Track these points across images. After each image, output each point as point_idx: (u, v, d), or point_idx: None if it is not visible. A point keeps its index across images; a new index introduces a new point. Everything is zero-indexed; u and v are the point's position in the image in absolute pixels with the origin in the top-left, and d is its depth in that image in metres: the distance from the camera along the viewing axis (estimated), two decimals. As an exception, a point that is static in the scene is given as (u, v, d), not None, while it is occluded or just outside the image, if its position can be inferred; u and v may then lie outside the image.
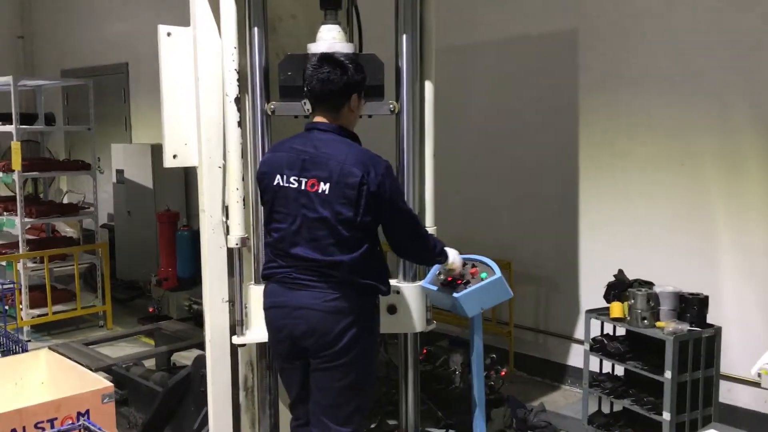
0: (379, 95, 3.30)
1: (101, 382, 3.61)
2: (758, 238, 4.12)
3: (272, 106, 3.27)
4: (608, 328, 3.96)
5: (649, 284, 3.84)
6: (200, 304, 6.32)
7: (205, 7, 3.36)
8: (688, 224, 4.40)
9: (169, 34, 3.54)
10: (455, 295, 3.07)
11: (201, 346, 5.06)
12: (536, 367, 5.23)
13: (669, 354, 3.43)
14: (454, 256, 3.07)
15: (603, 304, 3.95)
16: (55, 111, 8.61)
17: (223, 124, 3.38)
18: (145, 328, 5.43)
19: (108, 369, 4.35)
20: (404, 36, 3.33)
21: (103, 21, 9.37)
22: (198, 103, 3.39)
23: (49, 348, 4.68)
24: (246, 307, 3.36)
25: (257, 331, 3.34)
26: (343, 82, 2.81)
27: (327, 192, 2.74)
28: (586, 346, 3.92)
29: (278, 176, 2.83)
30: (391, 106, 3.32)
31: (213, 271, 3.47)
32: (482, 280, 3.11)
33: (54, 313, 6.29)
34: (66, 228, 7.92)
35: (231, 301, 3.54)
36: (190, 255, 6.32)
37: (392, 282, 3.35)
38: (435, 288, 3.23)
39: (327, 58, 2.87)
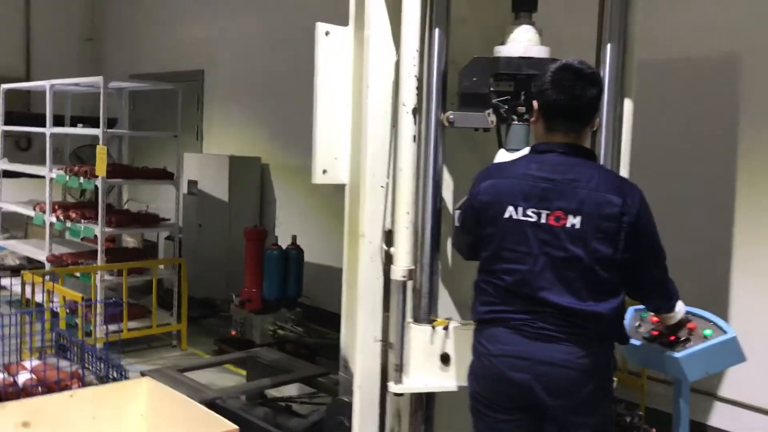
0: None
1: (223, 424, 3.17)
2: None
3: (451, 117, 2.84)
4: None
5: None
6: (286, 329, 5.91)
7: (381, 4, 2.93)
8: None
9: (327, 33, 3.13)
10: (676, 355, 2.59)
11: (306, 380, 4.65)
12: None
13: None
14: (681, 306, 2.60)
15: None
16: (118, 116, 8.29)
17: (392, 137, 2.95)
18: (239, 355, 4.98)
19: (211, 403, 3.89)
20: (608, 45, 2.88)
21: (177, 25, 9.06)
22: (365, 114, 2.95)
23: (142, 374, 4.27)
24: (405, 350, 2.91)
25: (417, 378, 2.89)
26: (597, 98, 2.44)
27: (578, 226, 2.32)
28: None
29: (510, 207, 2.38)
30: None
31: (367, 305, 3.02)
32: (706, 338, 2.62)
33: (129, 330, 5.88)
34: (126, 238, 7.57)
35: (384, 341, 3.08)
36: (278, 276, 5.90)
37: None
38: (638, 343, 2.75)
39: (579, 71, 2.42)
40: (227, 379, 5.25)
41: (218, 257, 7.45)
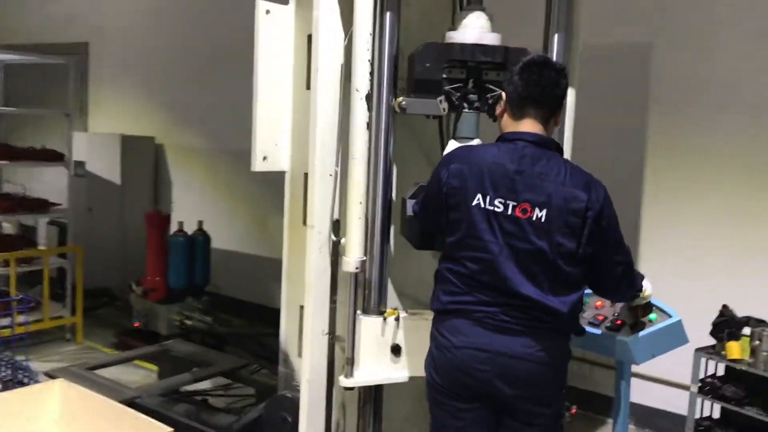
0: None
1: (155, 427, 2.99)
2: None
3: (403, 103, 2.77)
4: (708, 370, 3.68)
5: (762, 322, 3.58)
6: (193, 319, 5.64)
7: (330, -18, 2.80)
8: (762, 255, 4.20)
9: (268, 12, 2.97)
10: (627, 339, 2.68)
11: (228, 374, 4.46)
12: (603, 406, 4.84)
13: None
14: (648, 284, 2.68)
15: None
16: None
17: (341, 124, 2.84)
18: (151, 349, 4.69)
19: (131, 402, 3.65)
20: (556, 36, 2.91)
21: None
22: (315, 99, 2.81)
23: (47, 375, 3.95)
24: (356, 343, 2.84)
25: (368, 371, 2.83)
26: (564, 90, 2.44)
27: (543, 219, 2.31)
28: (694, 389, 3.62)
29: (479, 195, 2.35)
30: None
31: (318, 297, 2.91)
32: (651, 322, 2.73)
33: (18, 325, 5.40)
34: (4, 224, 6.96)
35: (330, 334, 2.99)
36: (183, 263, 5.62)
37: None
38: (589, 330, 2.82)
39: (547, 61, 2.46)
40: (135, 374, 4.95)
41: (111, 243, 7.01)
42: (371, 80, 2.76)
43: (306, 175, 3.07)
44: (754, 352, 3.40)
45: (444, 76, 2.79)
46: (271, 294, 6.66)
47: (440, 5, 3.22)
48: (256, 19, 2.94)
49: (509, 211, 2.32)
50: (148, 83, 7.46)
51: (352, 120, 2.74)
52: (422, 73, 2.76)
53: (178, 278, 5.60)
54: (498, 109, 2.53)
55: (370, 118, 2.77)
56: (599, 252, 2.37)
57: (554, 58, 2.90)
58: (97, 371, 4.19)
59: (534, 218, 2.30)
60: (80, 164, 7.23)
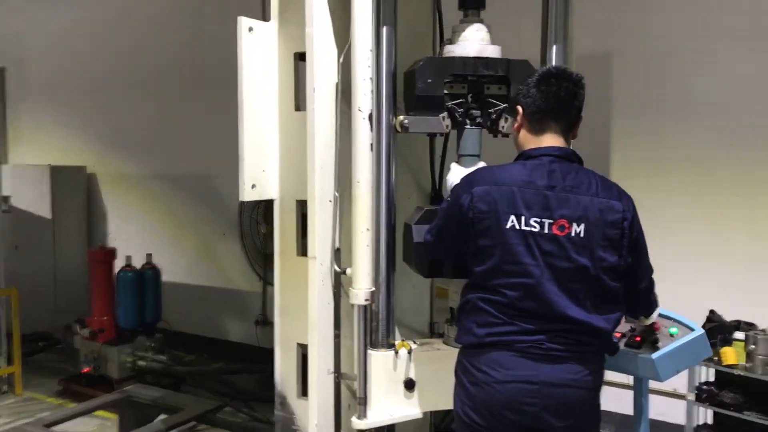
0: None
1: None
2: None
3: (405, 121, 2.61)
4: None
5: (752, 326, 3.61)
6: (147, 359, 5.27)
7: (322, 0, 2.61)
8: (739, 254, 4.26)
9: (251, 30, 2.75)
10: (651, 356, 2.59)
11: (201, 418, 4.15)
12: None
13: (815, 404, 3.21)
14: (656, 312, 2.59)
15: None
16: None
17: (337, 146, 2.66)
18: (112, 397, 4.31)
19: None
20: (554, 47, 2.82)
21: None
22: (312, 120, 2.62)
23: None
24: (367, 380, 2.65)
25: (381, 409, 2.65)
26: (583, 99, 2.31)
27: (582, 234, 2.17)
28: (691, 397, 3.60)
29: (512, 218, 2.18)
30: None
31: (323, 334, 2.70)
32: (673, 337, 2.65)
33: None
34: None
35: (336, 373, 2.79)
36: (133, 301, 5.24)
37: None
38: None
39: (564, 72, 2.31)
40: (88, 424, 4.55)
41: (44, 283, 6.51)
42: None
43: (298, 202, 2.87)
44: (749, 356, 3.41)
45: (445, 91, 2.66)
46: (225, 327, 6.37)
47: (421, 17, 3.10)
48: (238, 37, 2.72)
49: (546, 230, 2.17)
50: (76, 109, 7.03)
51: (356, 141, 2.56)
52: (423, 89, 2.61)
53: (128, 317, 5.23)
54: (514, 124, 2.38)
55: (372, 138, 2.60)
56: (633, 263, 2.26)
57: (553, 70, 2.82)
58: (56, 427, 3.80)
59: (573, 234, 2.16)
60: (4, 199, 6.72)
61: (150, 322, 5.40)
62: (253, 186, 2.78)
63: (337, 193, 2.69)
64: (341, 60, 2.65)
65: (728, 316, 3.71)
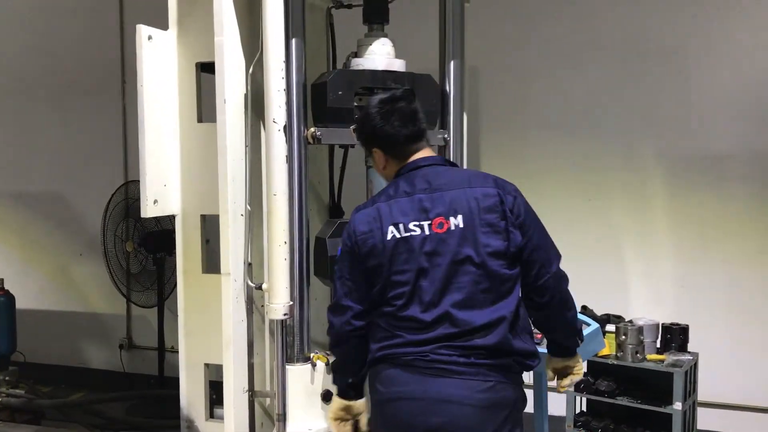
0: (431, 123, 2.88)
1: None
2: (664, 266, 4.53)
3: (318, 133, 2.62)
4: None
5: (620, 318, 3.94)
6: (1, 395, 4.79)
7: (230, 7, 2.55)
8: (598, 256, 4.65)
9: (150, 38, 2.63)
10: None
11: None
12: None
13: (678, 385, 3.54)
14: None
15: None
16: None
17: (246, 158, 2.61)
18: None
19: None
20: (452, 62, 2.96)
21: None
22: (223, 132, 2.54)
23: None
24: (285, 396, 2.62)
25: (301, 424, 2.64)
26: (418, 110, 2.28)
27: (462, 225, 2.14)
28: (571, 388, 3.86)
29: (391, 228, 2.16)
30: (445, 135, 2.92)
31: (238, 352, 2.62)
32: (572, 331, 2.85)
33: None
34: None
35: (250, 391, 2.72)
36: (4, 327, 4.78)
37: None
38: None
39: (394, 95, 2.28)
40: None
41: None
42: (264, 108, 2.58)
43: (203, 216, 2.77)
44: (620, 346, 3.73)
45: (355, 104, 2.70)
46: (86, 353, 5.93)
47: (315, 31, 3.12)
48: (137, 46, 2.59)
49: (427, 231, 2.14)
50: None
51: (270, 153, 2.53)
52: (335, 101, 2.64)
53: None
54: (380, 166, 2.33)
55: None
56: (528, 245, 2.20)
57: (451, 83, 2.95)
58: None
59: (453, 228, 2.14)
60: None
61: (4, 354, 4.92)
62: (155, 201, 2.65)
63: (249, 207, 2.63)
64: (251, 71, 2.61)
65: (599, 310, 4.03)
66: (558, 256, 2.33)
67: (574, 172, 4.71)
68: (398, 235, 2.16)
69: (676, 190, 4.50)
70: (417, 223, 2.16)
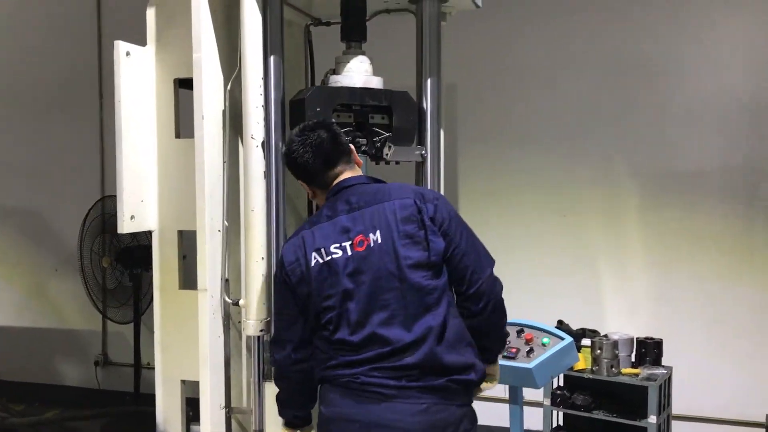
0: (409, 140, 2.90)
1: None
2: (638, 281, 4.59)
3: (297, 150, 2.63)
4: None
5: (595, 332, 3.98)
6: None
7: (209, 23, 2.57)
8: (574, 271, 4.70)
9: (128, 54, 2.64)
10: (529, 366, 2.79)
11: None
12: None
13: (653, 399, 3.58)
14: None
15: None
16: None
17: (224, 174, 2.62)
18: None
19: None
20: (429, 80, 2.98)
21: None
22: (201, 148, 2.54)
23: None
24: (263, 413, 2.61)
25: (278, 443, 2.61)
26: (334, 137, 2.32)
27: (380, 240, 2.11)
28: (547, 402, 3.89)
29: (314, 254, 2.15)
30: (423, 152, 2.94)
31: (215, 369, 2.61)
32: (546, 346, 2.88)
33: None
34: None
35: (227, 408, 2.71)
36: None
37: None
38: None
39: (302, 130, 2.32)
40: None
41: None
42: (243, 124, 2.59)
43: (180, 232, 2.77)
44: (595, 360, 3.76)
45: (333, 120, 2.72)
46: (60, 370, 5.85)
47: (293, 47, 3.15)
48: (115, 61, 2.59)
49: (349, 251, 2.12)
50: None
51: (248, 169, 2.54)
52: (313, 117, 2.64)
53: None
54: (309, 196, 2.39)
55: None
56: (451, 258, 2.14)
57: (428, 100, 2.97)
58: None
59: (372, 244, 2.11)
60: None
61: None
62: (132, 217, 2.64)
63: (227, 223, 2.63)
64: (229, 87, 2.62)
65: (574, 325, 4.07)
66: (491, 262, 2.25)
67: (550, 188, 4.78)
68: (321, 260, 2.15)
69: (649, 206, 4.58)
70: (338, 245, 2.15)
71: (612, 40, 4.56)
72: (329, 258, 2.13)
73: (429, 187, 2.98)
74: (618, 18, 4.54)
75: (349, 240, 2.14)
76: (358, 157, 2.40)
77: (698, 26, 4.39)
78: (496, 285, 2.23)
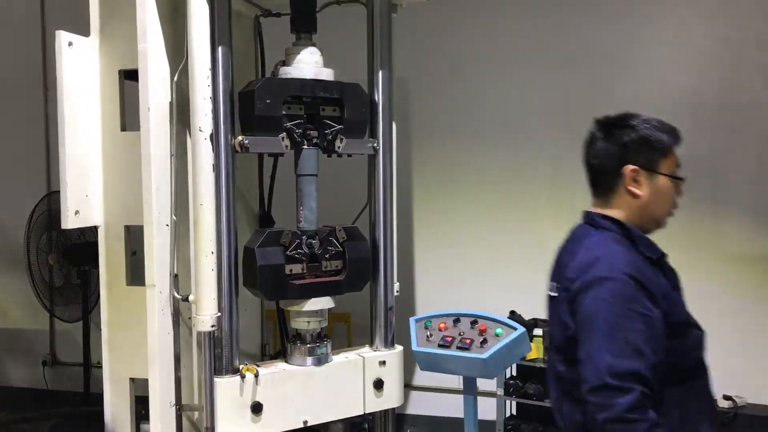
0: (360, 132, 2.90)
1: None
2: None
3: (246, 141, 2.61)
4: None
5: (546, 322, 4.02)
6: None
7: (154, 13, 2.51)
8: (527, 263, 4.75)
9: (71, 44, 2.57)
10: (482, 356, 2.81)
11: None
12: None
13: (603, 386, 3.65)
14: None
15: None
16: None
17: (172, 167, 2.57)
18: None
19: None
20: (381, 72, 2.97)
21: None
22: (147, 141, 2.49)
23: None
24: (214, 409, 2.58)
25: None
26: (610, 152, 1.88)
27: (556, 300, 1.92)
28: (500, 392, 3.93)
29: (551, 281, 2.03)
30: (375, 144, 2.94)
31: (164, 366, 2.57)
32: (499, 336, 2.91)
33: None
34: None
35: (177, 405, 2.67)
36: None
37: (372, 352, 2.97)
38: (440, 351, 2.91)
39: (605, 121, 1.95)
40: None
41: None
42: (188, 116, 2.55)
43: (127, 227, 2.71)
44: (547, 349, 3.81)
45: (283, 112, 2.69)
46: (6, 371, 5.69)
47: (242, 38, 3.11)
48: (57, 52, 2.51)
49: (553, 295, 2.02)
50: None
51: (197, 162, 2.49)
52: (263, 109, 2.62)
53: None
54: (641, 186, 1.89)
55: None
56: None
57: (380, 93, 2.97)
58: None
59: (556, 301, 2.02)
60: None
61: None
62: (77, 212, 2.57)
63: (175, 217, 2.58)
64: (176, 79, 2.57)
65: (527, 315, 4.12)
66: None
67: (503, 181, 4.81)
68: (549, 293, 2.07)
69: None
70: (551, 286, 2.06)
71: (561, 35, 4.61)
72: (550, 293, 2.05)
73: (382, 180, 2.99)
74: (566, 15, 4.59)
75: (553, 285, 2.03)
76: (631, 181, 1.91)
77: (646, 20, 4.47)
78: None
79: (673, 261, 2.02)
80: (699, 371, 1.84)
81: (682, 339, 1.76)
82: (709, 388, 1.88)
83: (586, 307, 1.71)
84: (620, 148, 1.85)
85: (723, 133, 4.37)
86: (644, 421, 1.56)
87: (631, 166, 1.84)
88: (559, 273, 1.93)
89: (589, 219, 1.94)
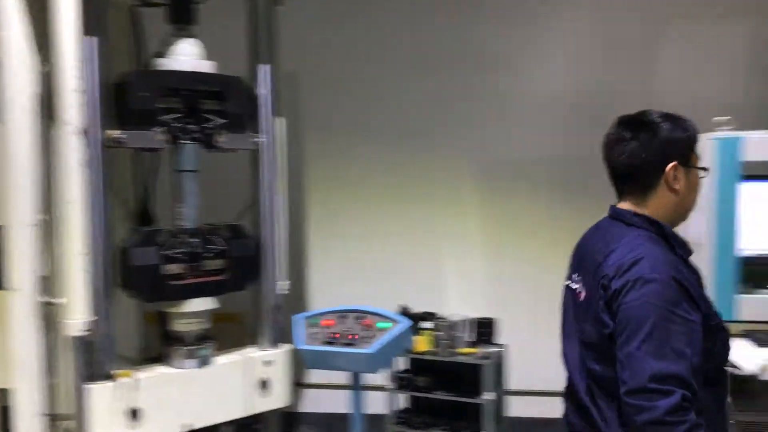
0: (241, 127, 2.83)
1: None
2: (476, 265, 4.78)
3: (121, 136, 2.49)
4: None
5: (433, 315, 4.09)
6: None
7: (16, 1, 2.34)
8: (418, 258, 4.81)
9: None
10: (368, 351, 2.81)
11: None
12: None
13: (488, 377, 3.73)
14: None
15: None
16: None
17: (40, 164, 2.41)
18: None
19: None
20: (263, 67, 2.92)
21: None
22: (9, 136, 2.33)
23: None
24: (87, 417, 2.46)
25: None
26: (653, 150, 1.83)
27: (584, 299, 1.85)
28: (391, 386, 3.94)
29: (571, 273, 1.96)
30: (258, 139, 2.88)
31: (32, 375, 2.42)
32: (384, 330, 2.91)
33: None
34: None
35: (52, 415, 2.52)
36: None
37: (260, 352, 2.92)
38: (326, 348, 2.88)
39: (628, 120, 1.89)
40: None
41: None
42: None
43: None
44: (436, 342, 3.87)
45: (161, 106, 2.59)
46: None
47: (118, 28, 2.96)
48: None
49: (574, 293, 1.98)
50: None
51: (65, 158, 2.36)
52: (137, 102, 2.51)
53: None
54: (679, 182, 1.84)
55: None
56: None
57: (262, 88, 2.91)
58: None
59: (581, 299, 1.94)
60: None
61: None
62: (-69, 212, 2.38)
63: (45, 216, 2.43)
64: (45, 70, 2.41)
65: (419, 308, 4.16)
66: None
67: (396, 176, 4.83)
68: (568, 284, 2.00)
69: (487, 194, 4.75)
70: (570, 281, 2.00)
71: (456, 34, 4.67)
72: (567, 286, 2.00)
73: (267, 176, 2.94)
74: (456, 15, 4.67)
75: (576, 282, 1.97)
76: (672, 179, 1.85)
77: (536, 23, 4.58)
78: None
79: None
80: (721, 375, 1.85)
81: (714, 341, 1.78)
82: (726, 392, 1.90)
83: (629, 306, 1.69)
84: (661, 146, 1.82)
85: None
86: (685, 422, 1.57)
87: (673, 163, 1.83)
88: (585, 266, 1.90)
89: (619, 215, 1.90)
